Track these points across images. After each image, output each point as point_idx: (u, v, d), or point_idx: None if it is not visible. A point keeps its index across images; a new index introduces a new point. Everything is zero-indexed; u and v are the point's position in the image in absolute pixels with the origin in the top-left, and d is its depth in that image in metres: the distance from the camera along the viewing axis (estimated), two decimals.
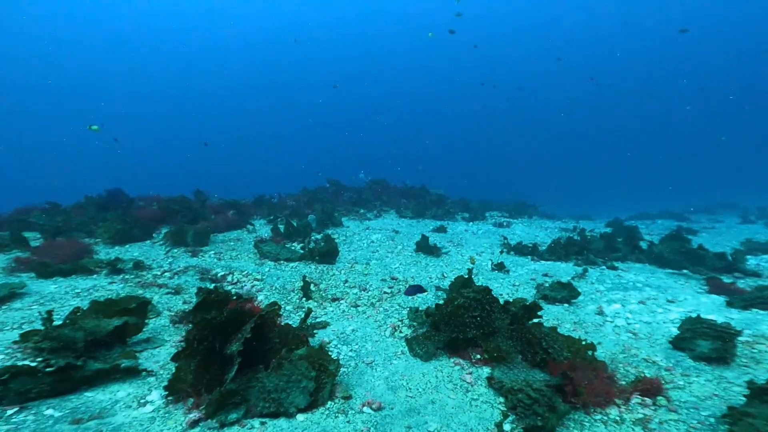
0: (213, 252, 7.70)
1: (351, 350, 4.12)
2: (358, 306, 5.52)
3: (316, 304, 5.57)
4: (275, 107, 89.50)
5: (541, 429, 2.66)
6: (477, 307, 4.09)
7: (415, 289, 5.42)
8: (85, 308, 4.02)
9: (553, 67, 63.19)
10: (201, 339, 3.07)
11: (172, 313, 4.79)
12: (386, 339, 4.42)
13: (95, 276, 5.96)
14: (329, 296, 5.86)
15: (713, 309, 5.27)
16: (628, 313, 5.20)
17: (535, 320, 4.07)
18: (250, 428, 2.73)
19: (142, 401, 3.00)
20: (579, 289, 5.83)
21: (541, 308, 4.09)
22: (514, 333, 3.95)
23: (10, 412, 2.69)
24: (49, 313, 3.62)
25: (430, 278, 6.81)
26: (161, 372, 3.46)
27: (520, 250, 8.86)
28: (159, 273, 6.25)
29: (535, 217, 17.28)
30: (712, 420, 2.76)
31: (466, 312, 4.08)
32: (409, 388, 3.36)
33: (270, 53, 79.41)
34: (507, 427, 2.79)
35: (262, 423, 2.79)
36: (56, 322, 3.82)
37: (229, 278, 6.28)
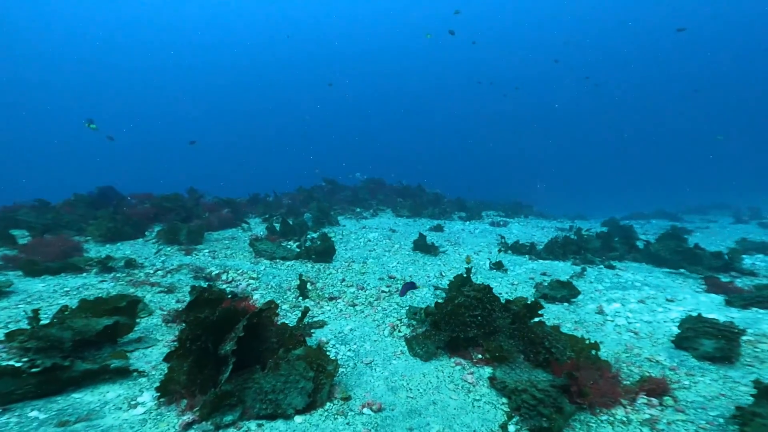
0: (207, 250, 7.56)
1: (349, 350, 4.02)
2: (356, 305, 5.42)
3: (313, 303, 5.46)
4: (270, 106, 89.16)
5: (547, 430, 2.59)
6: (478, 305, 4.02)
7: (408, 287, 5.32)
8: (73, 307, 3.89)
9: (549, 67, 63.50)
10: (194, 338, 2.96)
11: (165, 312, 4.66)
12: (385, 338, 4.33)
13: (85, 274, 5.81)
14: (326, 295, 5.76)
15: (713, 308, 5.24)
16: (629, 312, 5.15)
17: (537, 319, 4.01)
18: (247, 431, 2.63)
19: (132, 403, 2.88)
20: (578, 288, 5.78)
21: (542, 307, 4.02)
22: (516, 332, 3.87)
23: None
24: (35, 312, 3.49)
25: (428, 277, 6.73)
26: (153, 372, 3.34)
27: (518, 249, 8.81)
28: (151, 271, 6.11)
29: (531, 216, 17.28)
30: (721, 420, 2.70)
31: (467, 311, 4.01)
32: (410, 389, 3.27)
33: (267, 51, 79.00)
34: (512, 428, 2.71)
35: (259, 425, 2.69)
36: (43, 321, 3.69)
37: (224, 277, 6.15)
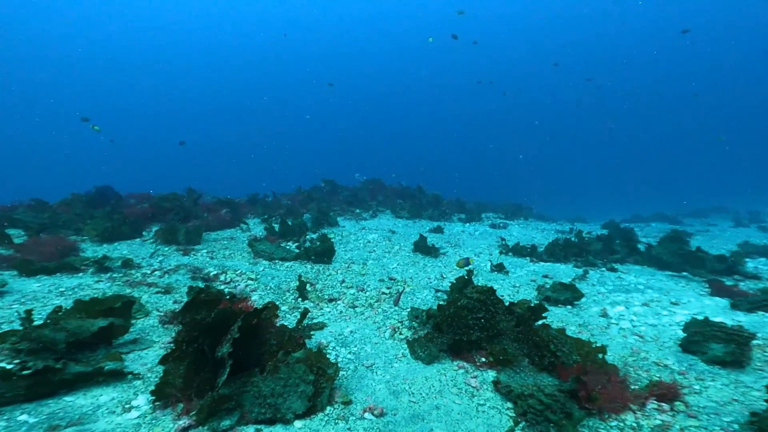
0: (205, 251, 7.46)
1: (350, 352, 3.94)
2: (356, 307, 5.34)
3: (312, 304, 5.37)
4: (270, 106, 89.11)
5: None
6: (481, 308, 3.94)
7: (400, 295, 5.23)
8: (68, 307, 3.80)
9: (549, 69, 63.61)
10: (191, 340, 2.87)
11: (162, 313, 4.57)
12: (386, 341, 4.24)
13: (81, 274, 5.71)
14: (326, 296, 5.67)
15: (718, 311, 5.17)
16: (633, 316, 5.08)
17: (541, 322, 3.93)
18: None
19: (127, 406, 2.79)
20: (581, 291, 5.70)
21: (546, 310, 3.95)
22: (520, 335, 3.79)
23: None
24: (28, 312, 3.40)
25: (429, 279, 6.65)
26: (149, 375, 3.25)
27: (519, 251, 8.74)
28: (149, 271, 6.01)
29: (530, 219, 17.22)
30: (736, 426, 2.62)
31: (470, 313, 3.93)
32: (412, 393, 3.19)
33: (266, 52, 78.98)
34: None
35: (258, 430, 2.60)
36: (37, 322, 3.59)
37: (222, 277, 6.06)
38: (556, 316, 5.04)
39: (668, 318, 4.96)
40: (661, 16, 57.95)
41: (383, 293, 5.85)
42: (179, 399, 2.79)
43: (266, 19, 74.94)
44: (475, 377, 3.42)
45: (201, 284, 5.63)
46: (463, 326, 3.91)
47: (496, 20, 65.72)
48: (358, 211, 13.52)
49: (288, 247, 7.92)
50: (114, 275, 5.70)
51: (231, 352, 2.84)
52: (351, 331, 4.47)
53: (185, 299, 4.94)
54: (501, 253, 8.79)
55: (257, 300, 5.29)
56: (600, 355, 3.34)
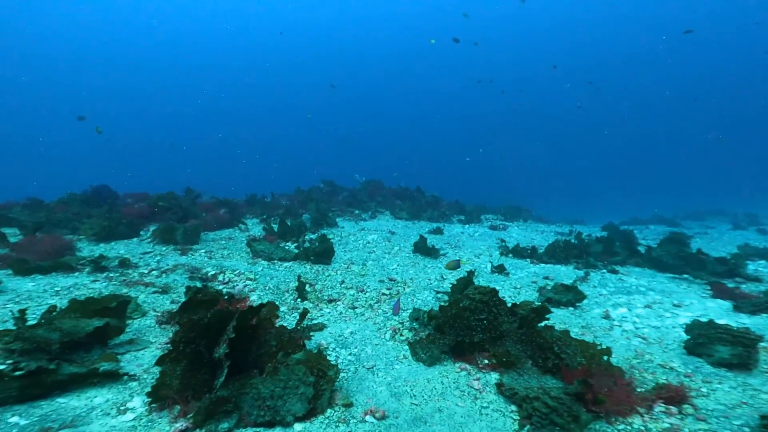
0: (204, 250, 7.39)
1: (350, 354, 3.87)
2: (356, 308, 5.27)
3: (311, 305, 5.31)
4: (269, 106, 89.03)
5: None
6: (483, 309, 3.88)
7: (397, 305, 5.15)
8: (63, 307, 3.72)
9: (548, 71, 63.72)
10: (188, 341, 2.80)
11: (159, 314, 4.50)
12: (387, 342, 4.18)
13: (77, 274, 5.63)
14: (325, 297, 5.60)
15: (721, 314, 5.13)
16: (636, 317, 5.03)
17: (544, 323, 3.87)
18: None
19: (122, 408, 2.72)
20: (583, 293, 5.65)
21: (550, 311, 3.89)
22: (524, 337, 3.74)
23: None
24: (22, 312, 3.32)
25: (429, 280, 6.59)
26: (145, 376, 3.17)
27: (519, 252, 8.69)
28: (146, 271, 5.94)
29: (529, 220, 17.19)
30: (747, 430, 2.57)
31: (472, 314, 3.87)
32: (414, 395, 3.13)
33: (266, 52, 78.97)
34: None
35: None
36: (31, 322, 3.52)
37: (221, 277, 5.99)
38: (558, 318, 4.98)
39: (671, 320, 4.92)
40: (661, 17, 58.22)
41: (383, 294, 5.79)
42: (176, 401, 2.72)
43: (266, 20, 74.96)
44: (478, 379, 3.36)
45: (199, 284, 5.56)
46: (466, 327, 3.85)
47: (496, 21, 65.90)
48: (357, 211, 13.46)
49: (287, 248, 7.85)
50: (111, 275, 5.63)
51: (229, 353, 2.78)
52: (351, 332, 4.41)
53: (183, 299, 4.87)
54: (501, 254, 8.74)
55: (256, 300, 5.22)
56: (605, 357, 3.29)
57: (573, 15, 62.19)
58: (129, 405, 2.76)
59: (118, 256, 6.40)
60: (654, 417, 2.74)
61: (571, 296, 5.52)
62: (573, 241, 9.64)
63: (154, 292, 5.16)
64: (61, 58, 72.32)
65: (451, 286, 5.50)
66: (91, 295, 4.79)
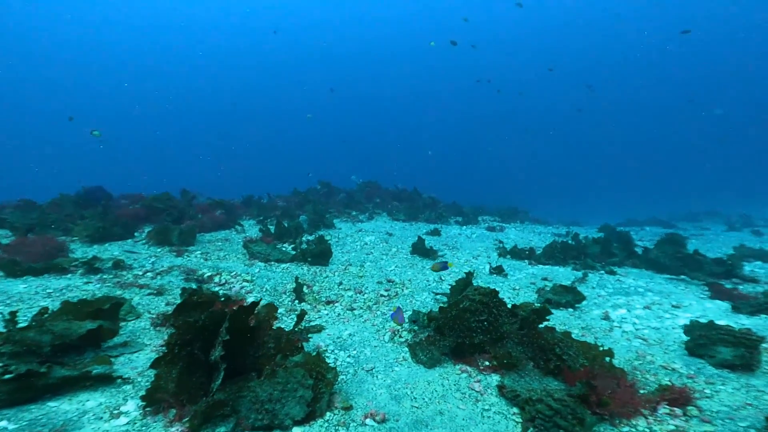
0: (199, 252, 7.30)
1: (349, 356, 3.81)
2: (354, 309, 5.22)
3: (309, 306, 5.24)
4: (267, 107, 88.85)
5: None
6: (484, 310, 3.83)
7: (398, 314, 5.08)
8: (55, 309, 3.64)
9: (544, 73, 63.93)
10: (183, 343, 2.73)
11: (153, 316, 4.42)
12: (386, 344, 4.13)
13: (70, 275, 5.53)
14: (323, 299, 5.54)
15: (720, 314, 5.12)
16: (635, 319, 5.01)
17: (545, 324, 3.84)
18: None
19: (115, 412, 2.65)
20: (582, 294, 5.63)
21: (550, 312, 3.85)
22: (525, 338, 3.70)
23: None
24: (12, 314, 3.24)
25: (428, 281, 6.54)
26: (139, 379, 3.10)
27: (517, 254, 8.67)
28: (140, 273, 5.85)
29: (526, 222, 17.19)
30: (753, 431, 2.54)
31: (472, 316, 3.82)
32: (414, 398, 3.07)
33: (265, 53, 78.78)
34: None
35: None
36: (22, 324, 3.43)
37: (217, 279, 5.91)
38: (557, 319, 4.95)
39: (671, 321, 4.90)
40: (658, 19, 58.69)
41: (381, 295, 5.73)
42: (171, 405, 2.65)
43: (266, 19, 74.84)
44: (479, 381, 3.32)
45: (194, 286, 5.48)
46: (466, 329, 3.80)
47: (495, 21, 66.14)
48: (354, 213, 13.40)
49: (284, 249, 7.78)
50: (104, 276, 5.53)
51: (225, 356, 2.72)
52: (350, 334, 4.35)
53: (178, 301, 4.79)
54: (499, 255, 8.71)
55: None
56: (607, 359, 3.25)
57: (570, 18, 62.62)
58: (123, 409, 2.69)
59: (112, 257, 6.31)
60: (658, 419, 2.70)
61: (570, 297, 5.49)
62: (570, 242, 9.64)
63: (149, 294, 5.07)
64: (54, 58, 71.83)
65: (450, 287, 5.46)
66: (84, 297, 4.70)
